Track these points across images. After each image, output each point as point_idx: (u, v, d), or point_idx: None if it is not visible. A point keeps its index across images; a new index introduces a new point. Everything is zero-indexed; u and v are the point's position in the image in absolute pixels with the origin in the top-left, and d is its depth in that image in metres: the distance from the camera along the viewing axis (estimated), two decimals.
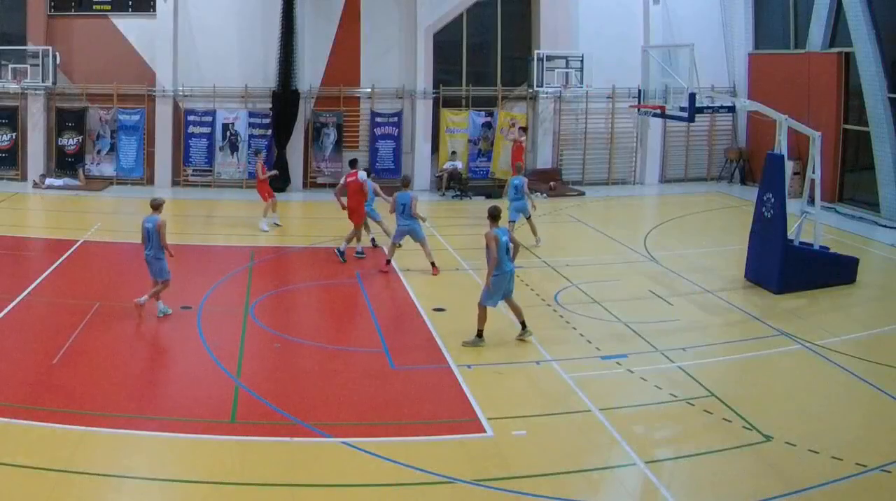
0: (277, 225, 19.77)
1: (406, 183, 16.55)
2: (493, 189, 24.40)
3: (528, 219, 18.04)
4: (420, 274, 15.87)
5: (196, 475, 8.34)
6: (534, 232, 18.12)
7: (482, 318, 12.08)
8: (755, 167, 25.35)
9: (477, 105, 26.02)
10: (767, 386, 11.07)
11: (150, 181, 24.97)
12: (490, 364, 11.41)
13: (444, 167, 25.21)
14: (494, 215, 12.15)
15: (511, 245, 12.15)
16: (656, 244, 18.61)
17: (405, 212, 15.88)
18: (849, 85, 22.69)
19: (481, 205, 21.60)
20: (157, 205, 13.07)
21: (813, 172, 15.47)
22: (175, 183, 24.83)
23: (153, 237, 12.84)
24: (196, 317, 13.01)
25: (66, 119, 24.71)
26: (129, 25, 24.86)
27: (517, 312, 12.35)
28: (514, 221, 17.82)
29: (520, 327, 12.34)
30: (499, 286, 12.01)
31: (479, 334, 12.07)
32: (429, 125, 25.68)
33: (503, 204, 16.07)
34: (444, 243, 18.27)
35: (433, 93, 25.61)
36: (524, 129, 24.78)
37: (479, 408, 9.96)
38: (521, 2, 26.46)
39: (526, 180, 18.19)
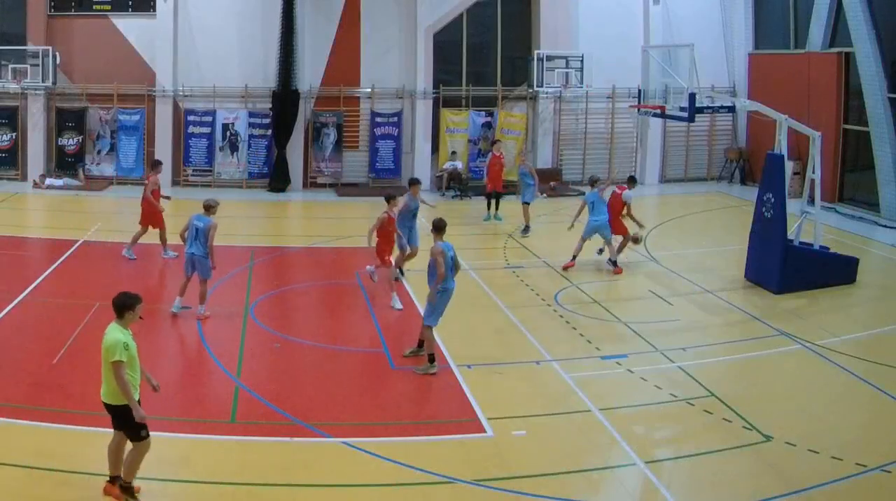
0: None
1: (594, 182, 16.87)
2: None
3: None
4: (419, 273, 15.83)
5: (196, 475, 8.34)
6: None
7: (430, 340, 11.10)
8: (755, 167, 25.34)
9: (477, 105, 26.02)
10: (767, 386, 11.07)
11: None
12: (490, 364, 11.41)
13: (444, 167, 25.20)
14: (440, 228, 11.25)
15: (454, 262, 11.17)
16: (656, 244, 18.59)
17: (594, 210, 16.06)
18: (849, 85, 22.69)
19: (482, 205, 21.59)
20: (210, 206, 13.09)
21: (813, 172, 15.48)
22: (175, 183, 24.78)
23: (202, 236, 12.85)
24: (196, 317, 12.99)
25: (66, 119, 24.70)
26: (129, 25, 24.86)
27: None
28: (528, 202, 19.48)
29: (416, 346, 11.54)
30: (444, 303, 11.13)
31: (431, 359, 11.01)
32: (429, 125, 25.68)
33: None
34: None
35: (433, 93, 25.61)
36: (497, 142, 22.63)
37: (479, 408, 9.97)
38: (521, 2, 26.47)
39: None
